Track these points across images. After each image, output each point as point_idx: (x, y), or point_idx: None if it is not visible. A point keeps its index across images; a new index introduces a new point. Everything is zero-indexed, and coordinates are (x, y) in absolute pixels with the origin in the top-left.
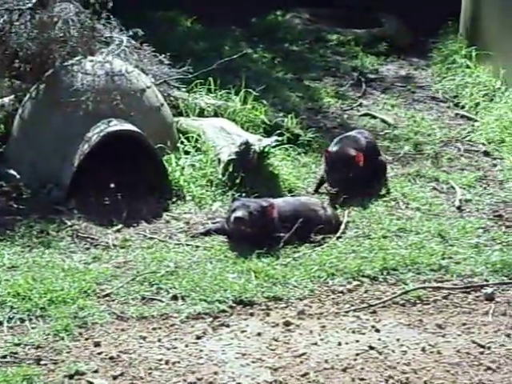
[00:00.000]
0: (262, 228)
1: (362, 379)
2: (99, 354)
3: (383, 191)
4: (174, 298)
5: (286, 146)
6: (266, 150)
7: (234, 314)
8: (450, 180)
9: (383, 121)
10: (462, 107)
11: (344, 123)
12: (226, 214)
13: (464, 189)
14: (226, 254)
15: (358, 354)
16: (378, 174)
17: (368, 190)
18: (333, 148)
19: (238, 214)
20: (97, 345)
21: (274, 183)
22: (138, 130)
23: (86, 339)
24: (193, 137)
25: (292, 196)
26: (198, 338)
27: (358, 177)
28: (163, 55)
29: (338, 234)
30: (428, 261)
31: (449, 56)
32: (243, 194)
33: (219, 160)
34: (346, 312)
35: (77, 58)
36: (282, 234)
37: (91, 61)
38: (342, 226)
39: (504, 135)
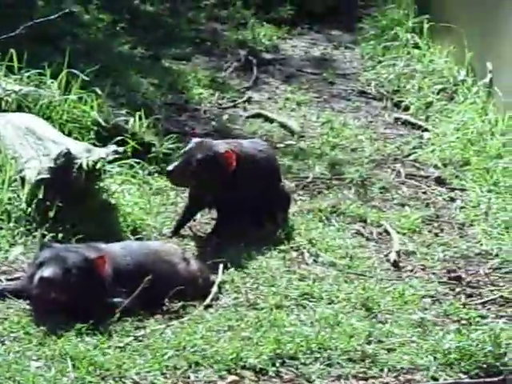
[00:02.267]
0: (86, 292)
1: None
2: None
3: (281, 235)
4: None
5: (131, 160)
6: (99, 165)
7: None
8: (383, 221)
9: (283, 126)
10: (406, 109)
11: (222, 128)
12: (30, 268)
13: (404, 235)
14: (28, 329)
15: None
16: (274, 208)
17: (258, 232)
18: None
19: (47, 272)
20: None
21: (109, 219)
22: None
23: None
24: None
25: (137, 240)
26: None
27: (243, 205)
28: None
29: (208, 301)
30: (346, 345)
31: (388, 28)
32: (59, 237)
33: (23, 180)
34: None
35: None
36: (117, 300)
37: None
38: (214, 289)
39: (468, 153)
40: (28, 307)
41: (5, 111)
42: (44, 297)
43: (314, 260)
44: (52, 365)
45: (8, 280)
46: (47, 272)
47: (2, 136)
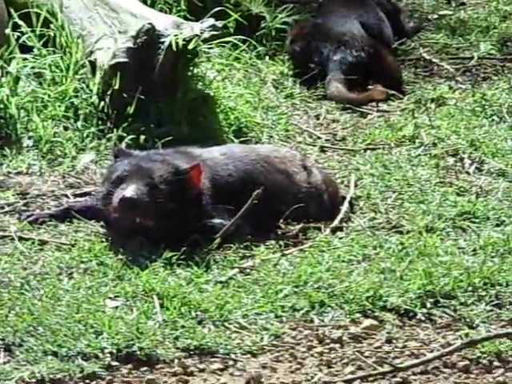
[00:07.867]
0: (178, 213)
1: None
2: None
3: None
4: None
5: (234, 39)
6: (192, 45)
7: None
8: None
9: None
10: None
11: None
12: (105, 183)
13: None
14: (102, 259)
15: None
16: None
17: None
18: None
19: (129, 191)
20: None
21: (205, 116)
22: None
23: None
24: (39, 16)
25: (242, 143)
26: None
27: None
28: None
29: (336, 223)
30: None
31: None
32: (140, 139)
33: (93, 66)
34: None
35: None
36: (217, 222)
37: None
38: (345, 207)
39: None
40: (102, 230)
41: None
42: (126, 221)
43: (478, 168)
44: (134, 304)
45: (76, 196)
46: (130, 191)
47: (64, 8)
